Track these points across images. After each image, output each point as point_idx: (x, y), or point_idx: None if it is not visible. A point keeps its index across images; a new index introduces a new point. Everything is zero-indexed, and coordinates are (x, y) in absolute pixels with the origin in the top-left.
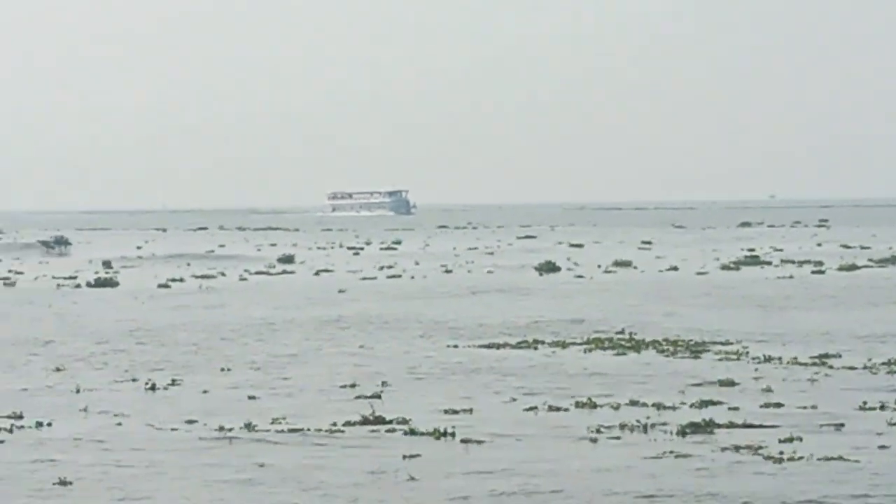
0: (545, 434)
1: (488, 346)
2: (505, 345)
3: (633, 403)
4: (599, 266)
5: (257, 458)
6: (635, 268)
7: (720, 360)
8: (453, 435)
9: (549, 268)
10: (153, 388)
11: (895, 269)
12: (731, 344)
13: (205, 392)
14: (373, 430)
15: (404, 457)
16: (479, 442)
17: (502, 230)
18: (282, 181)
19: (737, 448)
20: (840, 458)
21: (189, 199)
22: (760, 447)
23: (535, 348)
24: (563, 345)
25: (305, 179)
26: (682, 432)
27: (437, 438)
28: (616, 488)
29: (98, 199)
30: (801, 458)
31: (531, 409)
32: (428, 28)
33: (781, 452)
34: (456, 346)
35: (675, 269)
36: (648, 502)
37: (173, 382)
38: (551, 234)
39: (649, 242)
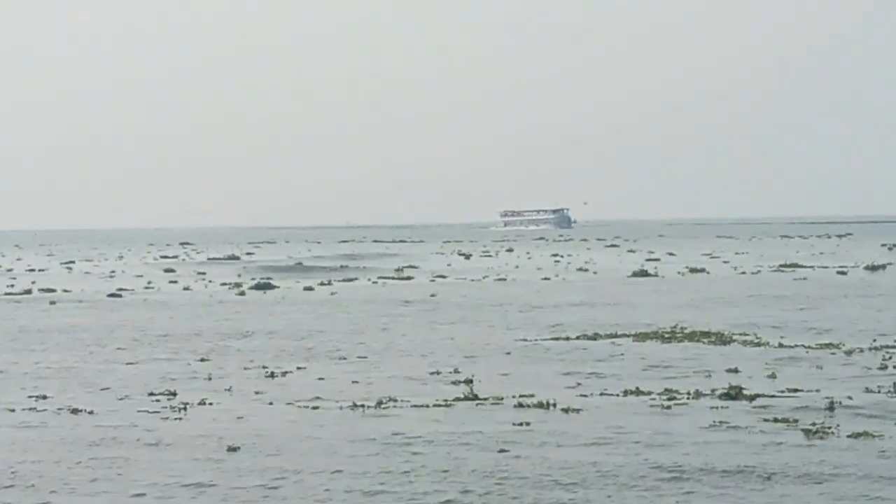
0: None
1: (555, 339)
2: (567, 337)
3: (675, 382)
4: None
5: (393, 426)
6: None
7: (746, 346)
8: (555, 405)
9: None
10: (275, 374)
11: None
12: (749, 335)
13: (320, 379)
14: (479, 404)
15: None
16: (578, 410)
17: (586, 242)
18: (467, 199)
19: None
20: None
21: (374, 217)
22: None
23: (594, 339)
24: (617, 336)
25: (485, 197)
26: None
27: (546, 409)
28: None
29: (280, 216)
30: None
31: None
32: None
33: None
34: (525, 340)
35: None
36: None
37: (296, 369)
38: (633, 244)
39: (670, 253)
